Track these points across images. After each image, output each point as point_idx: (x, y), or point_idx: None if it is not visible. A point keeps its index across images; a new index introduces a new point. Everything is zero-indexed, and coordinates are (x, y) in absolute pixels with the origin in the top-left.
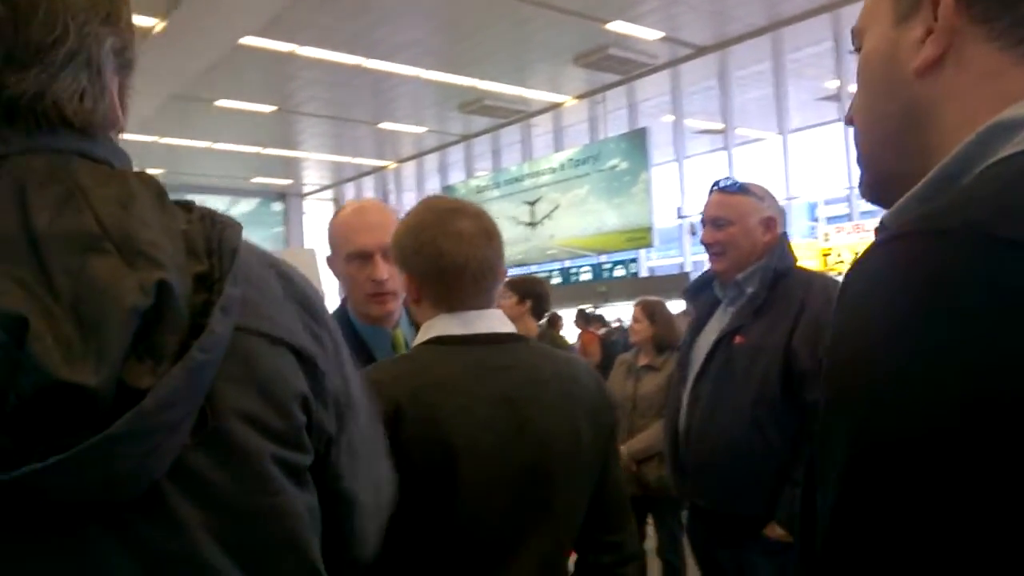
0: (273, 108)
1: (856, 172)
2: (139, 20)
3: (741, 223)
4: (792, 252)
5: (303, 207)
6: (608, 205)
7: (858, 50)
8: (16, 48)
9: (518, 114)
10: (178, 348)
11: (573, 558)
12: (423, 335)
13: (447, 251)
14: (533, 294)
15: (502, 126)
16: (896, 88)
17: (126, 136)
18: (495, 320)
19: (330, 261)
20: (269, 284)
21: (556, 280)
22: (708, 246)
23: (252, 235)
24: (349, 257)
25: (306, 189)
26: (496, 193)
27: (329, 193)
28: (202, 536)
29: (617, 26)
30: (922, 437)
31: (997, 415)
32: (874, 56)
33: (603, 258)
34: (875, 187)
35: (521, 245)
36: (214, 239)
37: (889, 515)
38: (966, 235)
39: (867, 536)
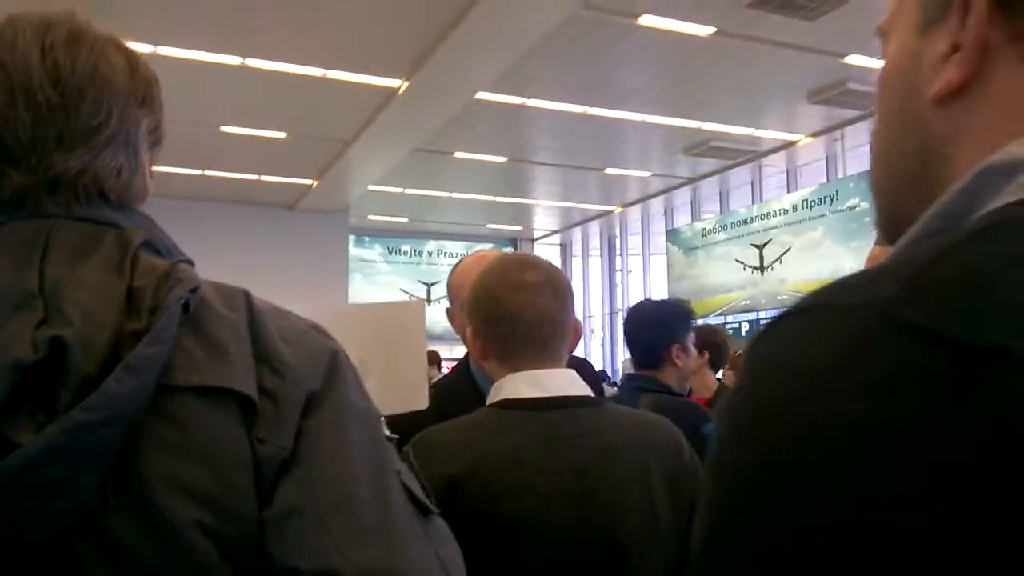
0: (505, 159)
1: None
2: (384, 82)
3: None
4: None
5: (532, 251)
6: (845, 248)
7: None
8: (66, 131)
9: (748, 155)
10: (70, 405)
11: None
12: (492, 396)
13: (502, 299)
14: (711, 345)
15: (731, 167)
16: (913, 119)
17: (375, 187)
18: (566, 381)
19: (449, 313)
20: (229, 333)
21: None
22: None
23: None
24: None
25: (536, 234)
26: (723, 236)
27: (557, 238)
28: None
29: (856, 59)
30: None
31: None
32: (892, 73)
33: None
34: (890, 230)
35: (749, 290)
36: (160, 297)
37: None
38: (862, 314)
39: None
